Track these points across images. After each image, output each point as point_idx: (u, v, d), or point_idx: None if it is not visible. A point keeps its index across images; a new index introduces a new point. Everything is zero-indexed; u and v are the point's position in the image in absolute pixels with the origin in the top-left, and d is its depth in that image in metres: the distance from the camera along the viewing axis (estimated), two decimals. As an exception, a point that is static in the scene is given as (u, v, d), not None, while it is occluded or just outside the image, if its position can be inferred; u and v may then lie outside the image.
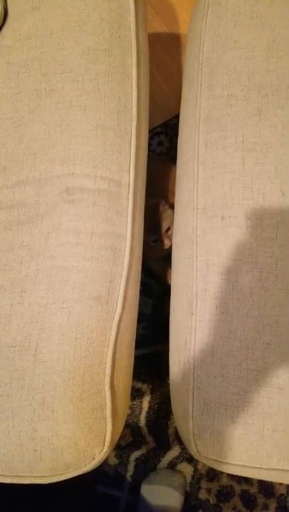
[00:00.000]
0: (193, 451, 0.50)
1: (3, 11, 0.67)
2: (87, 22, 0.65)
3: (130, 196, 0.59)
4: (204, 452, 0.50)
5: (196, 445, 0.50)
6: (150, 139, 1.07)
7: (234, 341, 0.50)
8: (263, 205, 0.53)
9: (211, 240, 0.55)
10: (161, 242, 0.80)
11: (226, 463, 0.49)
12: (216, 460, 0.49)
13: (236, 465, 0.48)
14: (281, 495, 0.83)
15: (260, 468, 0.48)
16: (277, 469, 0.47)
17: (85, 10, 0.65)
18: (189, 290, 0.55)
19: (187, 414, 0.51)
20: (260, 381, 0.48)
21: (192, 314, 0.53)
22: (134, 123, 0.62)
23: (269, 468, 0.47)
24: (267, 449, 0.47)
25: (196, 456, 0.51)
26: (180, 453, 0.86)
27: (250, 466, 0.48)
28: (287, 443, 0.47)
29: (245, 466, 0.48)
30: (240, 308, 0.51)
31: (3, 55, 0.65)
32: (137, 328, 0.59)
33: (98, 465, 0.49)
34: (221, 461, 0.49)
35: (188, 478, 0.85)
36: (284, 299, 0.50)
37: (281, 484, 0.83)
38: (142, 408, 0.88)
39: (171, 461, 0.86)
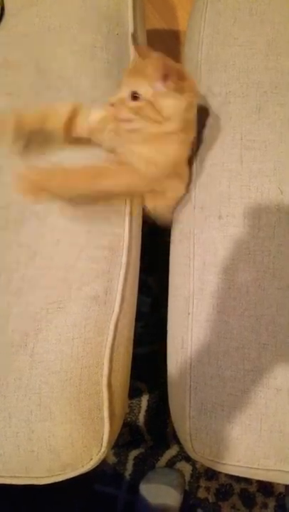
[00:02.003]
0: (190, 450, 0.50)
1: (0, 7, 0.66)
2: (84, 19, 0.64)
3: (128, 195, 0.59)
4: (201, 452, 0.49)
5: (192, 445, 0.50)
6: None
7: (231, 341, 0.50)
8: (261, 203, 0.53)
9: (208, 239, 0.55)
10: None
11: (223, 463, 0.49)
12: (212, 460, 0.49)
13: (233, 465, 0.48)
14: (280, 493, 0.83)
15: (258, 468, 0.47)
16: (274, 470, 0.47)
17: (82, 6, 0.65)
18: (186, 289, 0.55)
19: (184, 414, 0.50)
20: (256, 382, 0.48)
21: (189, 314, 0.53)
22: (132, 121, 0.61)
23: (266, 469, 0.47)
24: (264, 450, 0.47)
25: (193, 456, 0.50)
26: (179, 452, 0.86)
27: (247, 467, 0.48)
28: (285, 444, 0.46)
29: (242, 466, 0.48)
30: (236, 308, 0.50)
31: (0, 52, 0.65)
32: (136, 327, 0.58)
33: (96, 465, 0.49)
34: (218, 462, 0.49)
35: (187, 477, 0.84)
36: (281, 299, 0.50)
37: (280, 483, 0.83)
38: (140, 407, 0.88)
39: (169, 460, 0.86)
